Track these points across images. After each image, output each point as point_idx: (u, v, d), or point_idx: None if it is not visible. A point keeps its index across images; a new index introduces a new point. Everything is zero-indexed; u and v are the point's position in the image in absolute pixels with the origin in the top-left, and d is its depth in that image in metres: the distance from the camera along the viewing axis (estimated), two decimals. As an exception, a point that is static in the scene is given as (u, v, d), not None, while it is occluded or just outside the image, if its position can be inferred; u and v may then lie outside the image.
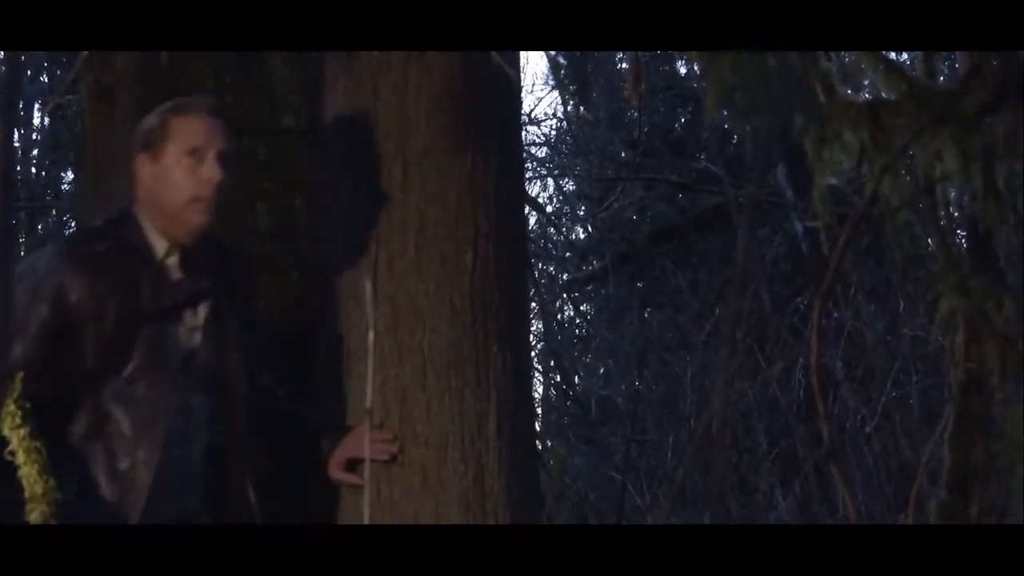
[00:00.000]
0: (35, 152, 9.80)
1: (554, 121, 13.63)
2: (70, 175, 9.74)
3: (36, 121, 9.89)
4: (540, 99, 28.19)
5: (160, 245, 2.92)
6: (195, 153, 2.90)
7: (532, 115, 12.56)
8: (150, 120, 2.97)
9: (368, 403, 3.08)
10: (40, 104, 9.37)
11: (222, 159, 2.91)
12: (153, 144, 2.93)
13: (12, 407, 2.46)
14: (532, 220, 9.77)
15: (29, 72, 9.17)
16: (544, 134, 11.65)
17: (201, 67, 3.96)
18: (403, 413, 3.17)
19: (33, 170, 9.57)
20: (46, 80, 9.90)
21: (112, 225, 2.94)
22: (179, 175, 2.89)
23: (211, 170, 2.88)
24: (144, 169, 2.94)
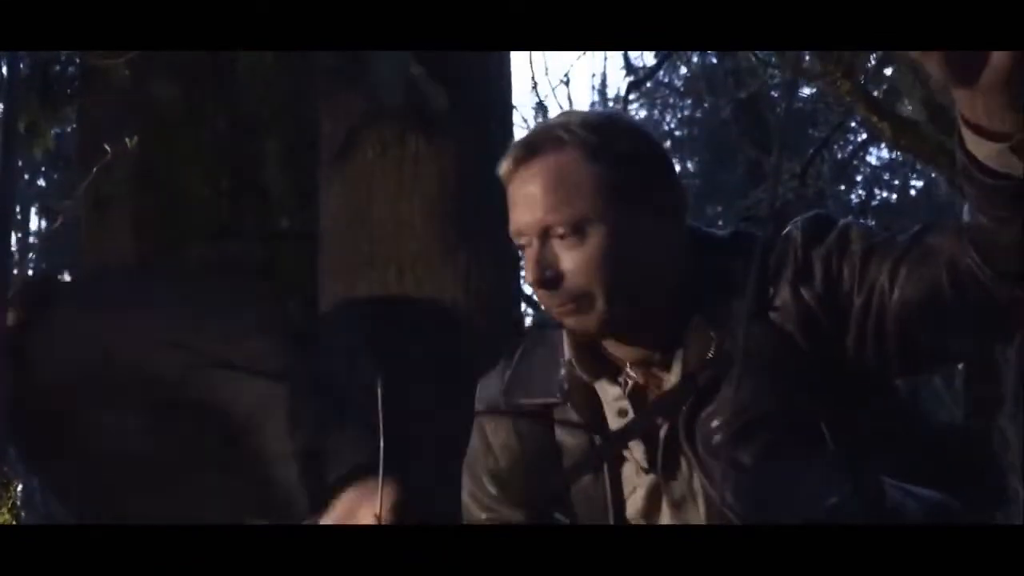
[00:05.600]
0: (31, 256, 9.80)
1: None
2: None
3: (33, 225, 9.89)
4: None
5: None
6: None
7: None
8: None
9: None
10: (38, 209, 9.37)
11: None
12: None
13: (7, 516, 2.46)
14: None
15: (27, 176, 9.18)
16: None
17: (197, 172, 3.94)
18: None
19: (29, 273, 9.58)
20: (43, 184, 9.93)
21: None
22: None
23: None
24: None
